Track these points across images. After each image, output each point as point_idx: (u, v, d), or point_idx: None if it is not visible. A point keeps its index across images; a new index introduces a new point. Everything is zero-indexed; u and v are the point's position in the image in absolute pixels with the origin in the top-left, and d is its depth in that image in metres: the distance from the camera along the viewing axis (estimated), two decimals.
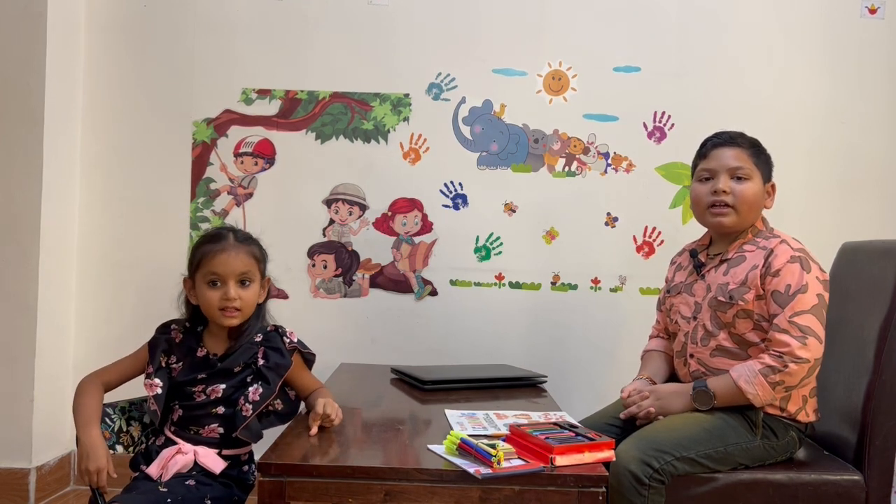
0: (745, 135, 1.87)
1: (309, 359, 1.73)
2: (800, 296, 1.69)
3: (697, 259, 1.91)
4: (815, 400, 1.81)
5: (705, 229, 1.95)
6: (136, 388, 1.81)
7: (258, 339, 1.67)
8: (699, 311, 1.85)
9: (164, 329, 1.71)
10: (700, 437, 1.66)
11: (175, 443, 1.62)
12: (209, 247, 1.63)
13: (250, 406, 1.60)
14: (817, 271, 1.74)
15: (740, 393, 1.68)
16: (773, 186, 1.88)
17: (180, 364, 1.67)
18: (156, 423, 1.65)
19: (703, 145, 1.89)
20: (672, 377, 1.98)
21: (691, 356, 1.86)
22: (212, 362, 1.66)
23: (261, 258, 1.69)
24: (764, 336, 1.74)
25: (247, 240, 1.68)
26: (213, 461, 1.61)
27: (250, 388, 1.62)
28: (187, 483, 1.57)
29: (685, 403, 1.75)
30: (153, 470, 1.58)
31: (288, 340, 1.69)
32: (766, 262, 1.74)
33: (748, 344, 1.77)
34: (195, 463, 1.60)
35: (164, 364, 1.66)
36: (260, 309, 1.70)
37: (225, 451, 1.64)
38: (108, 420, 1.67)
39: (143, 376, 1.66)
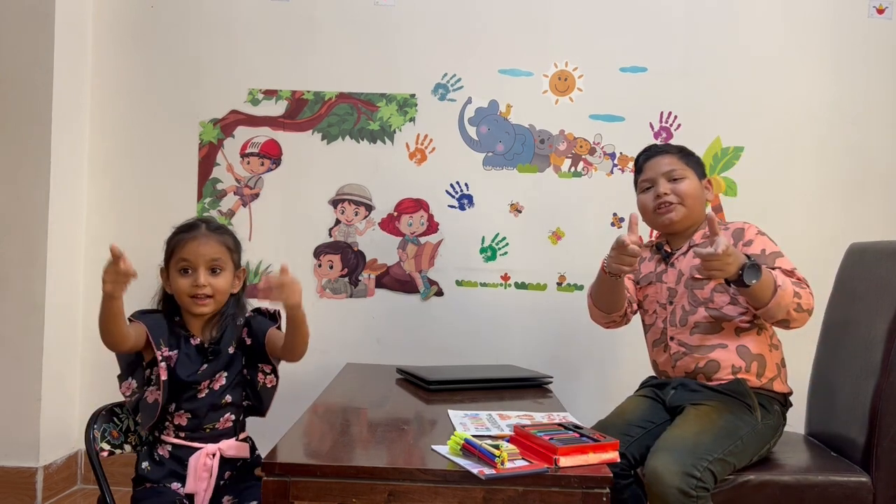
0: (671, 143, 2.09)
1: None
2: (780, 258, 1.85)
3: (664, 251, 2.03)
4: (786, 371, 1.93)
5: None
6: None
7: (240, 322, 1.71)
8: (675, 294, 1.96)
9: (148, 315, 1.66)
10: (720, 435, 1.69)
11: (190, 448, 1.61)
12: (181, 236, 1.66)
13: (274, 377, 1.68)
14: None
15: (772, 283, 1.72)
16: (709, 181, 2.05)
17: (175, 353, 1.63)
18: (158, 413, 1.60)
19: (637, 161, 2.07)
20: (618, 303, 2.03)
21: (671, 339, 1.95)
22: (208, 349, 1.65)
23: (234, 248, 1.70)
24: (741, 311, 1.86)
25: (219, 229, 1.69)
26: (238, 450, 1.64)
27: (261, 366, 1.68)
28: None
29: (737, 264, 1.70)
30: (195, 486, 1.56)
31: (272, 311, 1.74)
32: (739, 236, 1.91)
33: (725, 318, 1.88)
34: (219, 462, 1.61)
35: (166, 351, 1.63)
36: (238, 299, 1.72)
37: (241, 437, 1.68)
38: (116, 419, 1.68)
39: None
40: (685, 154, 2.01)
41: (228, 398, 1.66)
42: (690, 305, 1.92)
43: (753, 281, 1.69)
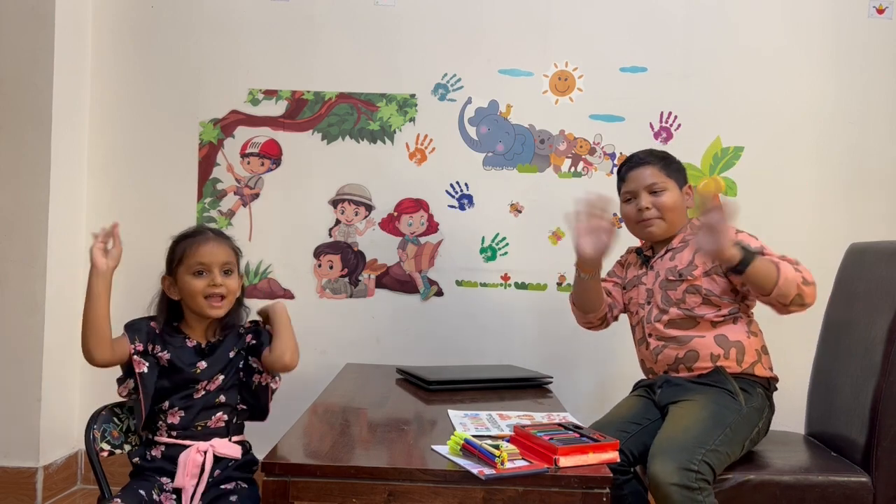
0: (654, 151, 2.08)
1: None
2: (765, 249, 1.84)
3: (644, 255, 2.10)
4: (768, 357, 1.94)
5: None
6: None
7: (242, 329, 1.73)
8: (652, 295, 2.01)
9: (138, 321, 1.68)
10: (708, 426, 1.71)
11: (181, 446, 1.60)
12: (191, 240, 1.68)
13: (269, 376, 1.68)
14: None
15: (770, 262, 1.74)
16: (689, 187, 2.07)
17: (167, 353, 1.63)
18: (144, 410, 1.59)
19: (620, 170, 2.11)
20: (590, 304, 2.11)
21: (650, 335, 2.00)
22: (205, 350, 1.67)
23: (239, 253, 1.75)
24: (712, 310, 1.89)
25: (222, 235, 1.73)
26: (229, 449, 1.63)
27: (255, 365, 1.69)
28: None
29: (730, 239, 1.72)
30: (183, 481, 1.56)
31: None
32: None
33: (697, 318, 1.91)
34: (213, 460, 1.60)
35: (150, 350, 1.63)
36: (240, 304, 1.75)
37: (234, 439, 1.66)
38: (116, 419, 1.68)
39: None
40: (667, 164, 2.03)
41: (222, 398, 1.66)
42: (664, 305, 1.96)
43: (751, 255, 1.71)
